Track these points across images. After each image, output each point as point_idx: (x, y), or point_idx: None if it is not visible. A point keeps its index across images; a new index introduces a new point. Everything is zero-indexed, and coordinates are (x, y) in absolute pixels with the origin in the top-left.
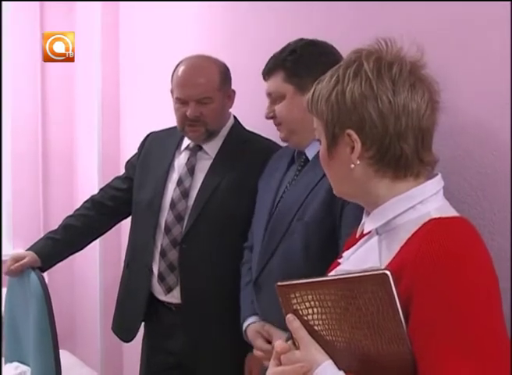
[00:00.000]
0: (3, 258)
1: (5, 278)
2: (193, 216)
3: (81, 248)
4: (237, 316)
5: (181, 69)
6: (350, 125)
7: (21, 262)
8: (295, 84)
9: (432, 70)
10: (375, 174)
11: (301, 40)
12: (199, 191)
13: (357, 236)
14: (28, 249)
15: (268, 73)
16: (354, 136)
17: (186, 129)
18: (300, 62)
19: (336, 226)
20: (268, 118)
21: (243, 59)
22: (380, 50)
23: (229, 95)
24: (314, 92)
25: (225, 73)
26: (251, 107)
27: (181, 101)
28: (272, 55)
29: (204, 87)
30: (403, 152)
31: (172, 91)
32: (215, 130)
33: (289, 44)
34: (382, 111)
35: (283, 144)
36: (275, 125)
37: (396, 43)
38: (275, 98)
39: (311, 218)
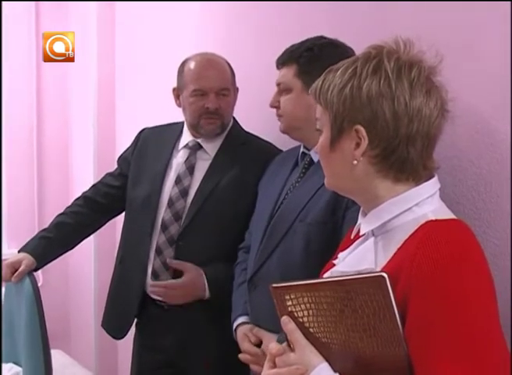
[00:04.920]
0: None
1: None
2: (191, 214)
3: (74, 246)
4: (229, 315)
5: (193, 63)
6: (361, 121)
7: (20, 271)
8: (304, 82)
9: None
10: (377, 174)
11: (322, 38)
12: (198, 189)
13: (352, 237)
14: (21, 250)
15: (281, 63)
16: (363, 132)
17: (201, 122)
18: (315, 61)
19: (337, 228)
20: (271, 106)
21: (241, 57)
22: (398, 50)
23: (235, 92)
24: (324, 81)
25: (232, 69)
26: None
27: (200, 94)
28: (270, 52)
29: (224, 79)
30: (409, 156)
31: (180, 88)
32: (227, 125)
33: (308, 40)
34: (396, 112)
35: (282, 148)
36: (277, 115)
37: (413, 45)
38: (282, 89)
39: (314, 219)
